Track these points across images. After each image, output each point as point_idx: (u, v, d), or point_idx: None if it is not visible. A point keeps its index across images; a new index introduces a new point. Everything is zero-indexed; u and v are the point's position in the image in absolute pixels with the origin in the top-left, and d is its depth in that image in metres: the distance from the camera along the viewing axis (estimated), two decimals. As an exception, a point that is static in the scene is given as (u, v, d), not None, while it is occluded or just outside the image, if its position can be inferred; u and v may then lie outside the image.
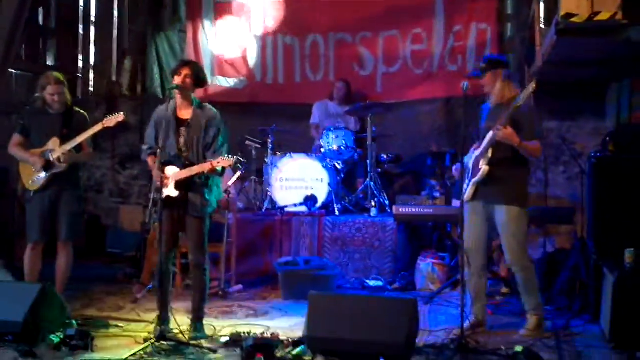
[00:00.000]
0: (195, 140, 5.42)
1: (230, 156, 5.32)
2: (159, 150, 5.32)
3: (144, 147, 5.68)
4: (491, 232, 5.59)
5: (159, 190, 5.29)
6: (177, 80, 5.42)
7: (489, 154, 5.35)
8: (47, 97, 6.18)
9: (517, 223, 5.40)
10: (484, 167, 5.36)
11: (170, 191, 5.36)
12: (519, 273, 5.47)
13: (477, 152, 5.51)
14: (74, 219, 6.22)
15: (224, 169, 5.41)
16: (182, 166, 5.38)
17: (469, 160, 5.57)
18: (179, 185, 5.36)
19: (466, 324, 5.17)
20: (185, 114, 5.49)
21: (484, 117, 5.62)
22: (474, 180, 5.45)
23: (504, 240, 5.43)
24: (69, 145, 6.10)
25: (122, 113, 6.18)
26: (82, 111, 6.39)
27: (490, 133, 5.33)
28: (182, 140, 5.45)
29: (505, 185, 5.35)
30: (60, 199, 6.15)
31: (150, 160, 5.59)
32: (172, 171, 5.37)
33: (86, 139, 6.16)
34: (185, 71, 5.44)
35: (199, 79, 5.52)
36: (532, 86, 5.05)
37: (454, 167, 5.87)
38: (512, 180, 5.38)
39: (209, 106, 5.57)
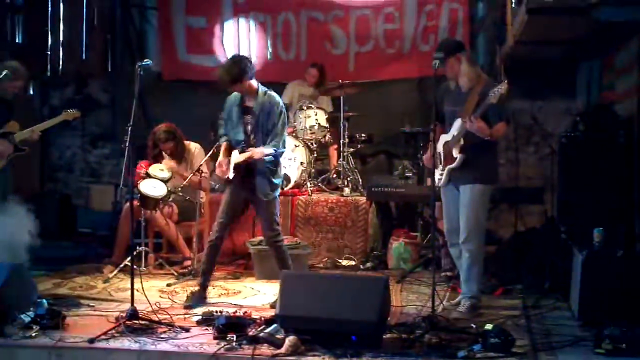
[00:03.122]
0: (259, 127, 5.73)
1: (267, 150, 5.69)
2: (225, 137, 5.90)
3: (220, 132, 6.21)
4: None
5: (222, 174, 5.82)
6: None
7: (462, 142, 5.38)
8: (9, 89, 6.22)
9: (480, 200, 5.45)
10: (459, 156, 5.39)
11: (230, 174, 5.78)
12: (468, 253, 5.46)
13: (447, 137, 5.54)
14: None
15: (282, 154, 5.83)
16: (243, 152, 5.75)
17: (440, 145, 5.60)
18: (238, 169, 5.75)
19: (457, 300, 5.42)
20: (250, 101, 5.78)
21: (447, 99, 5.62)
22: (449, 167, 5.49)
23: (464, 217, 5.45)
24: (37, 130, 6.25)
25: (77, 110, 6.82)
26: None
27: (459, 121, 5.36)
28: (248, 127, 5.77)
29: (474, 166, 5.40)
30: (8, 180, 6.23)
31: (223, 146, 5.96)
32: (235, 156, 5.77)
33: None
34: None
35: (234, 76, 5.65)
36: (504, 87, 5.05)
37: (424, 157, 5.90)
38: (481, 161, 5.43)
39: (271, 94, 5.82)
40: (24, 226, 6.00)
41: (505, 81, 5.10)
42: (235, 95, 5.87)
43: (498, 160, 5.85)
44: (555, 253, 6.11)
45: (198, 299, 5.79)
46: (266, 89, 5.83)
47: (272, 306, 5.49)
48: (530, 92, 8.45)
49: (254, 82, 5.78)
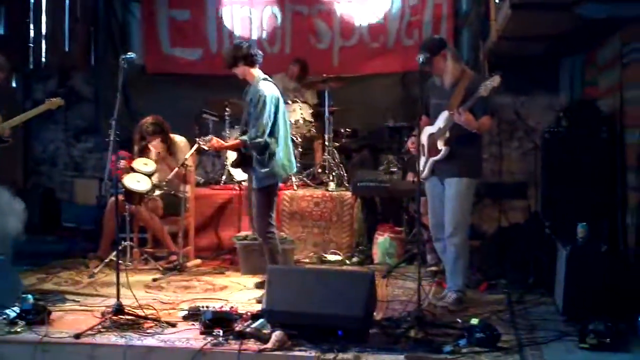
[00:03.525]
0: (249, 117, 5.84)
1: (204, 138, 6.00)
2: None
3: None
4: None
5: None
6: None
7: (447, 135, 5.41)
8: None
9: (466, 194, 5.49)
10: (444, 148, 5.42)
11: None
12: (453, 247, 5.50)
13: (432, 130, 5.56)
14: None
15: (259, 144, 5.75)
16: None
17: (424, 136, 5.62)
18: (236, 161, 6.06)
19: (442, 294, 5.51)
20: (248, 92, 5.93)
21: (433, 93, 5.64)
22: (433, 159, 5.51)
23: (449, 211, 5.48)
24: (19, 121, 6.22)
25: (60, 99, 6.79)
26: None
27: (446, 113, 5.38)
28: (245, 116, 5.96)
29: (459, 159, 5.43)
30: None
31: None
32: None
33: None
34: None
35: (227, 60, 5.87)
36: (496, 80, 5.07)
37: (408, 141, 5.93)
38: (466, 154, 5.46)
39: (261, 83, 5.86)
40: (15, 213, 6.01)
41: (499, 75, 5.12)
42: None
43: (482, 154, 5.88)
44: (539, 248, 6.15)
45: None
46: (264, 78, 5.90)
47: (259, 301, 5.50)
48: (513, 88, 8.46)
49: (254, 72, 5.89)
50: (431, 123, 5.59)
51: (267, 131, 5.73)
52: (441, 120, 5.46)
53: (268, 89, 5.83)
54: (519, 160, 8.63)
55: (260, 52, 5.98)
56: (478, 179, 5.66)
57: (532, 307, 5.51)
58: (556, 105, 8.18)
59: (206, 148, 6.08)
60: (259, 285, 6.14)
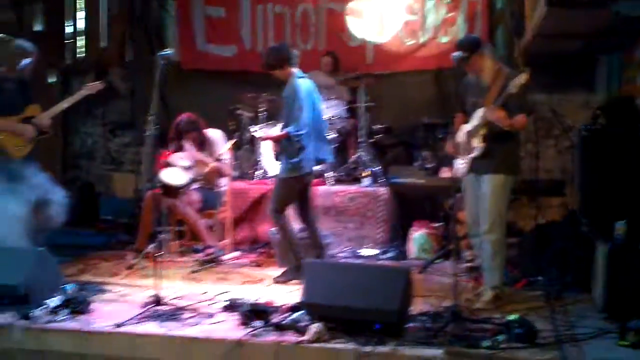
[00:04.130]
0: (286, 114, 6.16)
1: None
2: None
3: None
4: None
5: None
6: None
7: (482, 132, 5.40)
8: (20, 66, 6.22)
9: (501, 191, 5.45)
10: (479, 145, 5.41)
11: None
12: (489, 244, 5.47)
13: (468, 127, 5.55)
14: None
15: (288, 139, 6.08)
16: None
17: (460, 134, 5.62)
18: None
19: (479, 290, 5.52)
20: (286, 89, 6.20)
21: (469, 91, 5.64)
22: (470, 156, 5.51)
23: (485, 207, 5.46)
24: (56, 111, 6.31)
25: (100, 82, 6.64)
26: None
27: (481, 111, 5.37)
28: (283, 113, 6.26)
29: (495, 156, 5.41)
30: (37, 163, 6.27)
31: None
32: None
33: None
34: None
35: (268, 63, 6.14)
36: (524, 77, 5.06)
37: (447, 143, 5.91)
38: (502, 151, 5.44)
39: (297, 80, 6.11)
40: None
41: (526, 71, 5.10)
42: None
43: (520, 152, 5.84)
44: (576, 246, 6.10)
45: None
46: (300, 76, 6.13)
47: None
48: (549, 85, 8.42)
49: (291, 70, 6.10)
50: (468, 121, 5.59)
51: (307, 126, 5.96)
52: (476, 118, 5.45)
53: (304, 85, 6.05)
54: (556, 158, 8.56)
55: (296, 51, 6.17)
56: (515, 176, 5.62)
57: (571, 305, 5.46)
58: (593, 103, 8.09)
59: (257, 136, 6.45)
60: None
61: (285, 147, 6.11)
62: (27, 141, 6.20)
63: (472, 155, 5.48)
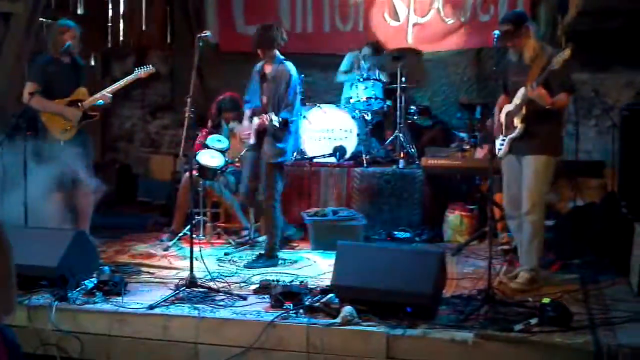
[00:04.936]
0: (274, 94, 6.06)
1: (272, 116, 5.96)
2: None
3: (244, 98, 6.45)
4: None
5: (247, 138, 6.22)
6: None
7: (523, 111, 5.31)
8: (73, 47, 6.26)
9: (543, 171, 5.35)
10: (519, 125, 5.32)
11: (252, 139, 6.15)
12: (529, 225, 5.38)
13: (510, 107, 5.46)
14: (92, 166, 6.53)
15: (286, 122, 6.04)
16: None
17: (502, 114, 5.54)
18: (257, 134, 6.10)
19: (515, 272, 5.46)
20: (268, 69, 6.14)
21: (511, 70, 5.55)
22: (510, 136, 5.42)
23: (526, 188, 5.37)
24: (106, 92, 6.36)
25: (152, 66, 6.59)
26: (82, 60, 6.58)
27: (523, 90, 5.28)
28: (264, 94, 6.13)
29: (537, 136, 5.31)
30: (87, 147, 6.32)
31: (246, 112, 6.33)
32: (255, 122, 6.13)
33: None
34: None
35: (261, 41, 6.05)
36: (567, 52, 4.94)
37: (488, 120, 5.83)
38: (544, 132, 5.33)
39: (286, 63, 6.14)
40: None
41: (569, 46, 4.99)
42: (260, 63, 6.22)
43: (561, 132, 5.72)
44: (614, 228, 5.99)
45: None
46: (282, 59, 6.12)
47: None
48: (591, 64, 8.25)
49: (276, 52, 6.11)
50: (511, 102, 5.50)
51: (298, 113, 6.14)
52: (518, 97, 5.35)
53: (293, 69, 6.11)
54: (596, 139, 8.41)
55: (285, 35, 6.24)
56: (557, 157, 5.50)
57: (607, 288, 5.37)
58: (635, 83, 7.93)
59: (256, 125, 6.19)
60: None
61: (276, 131, 6.06)
62: (73, 124, 6.28)
63: (512, 135, 5.39)
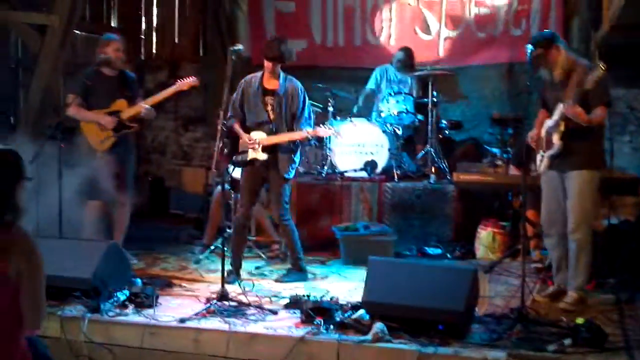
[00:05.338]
0: (284, 109, 5.95)
1: (326, 125, 6.09)
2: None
3: (230, 113, 6.05)
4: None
5: (245, 152, 5.96)
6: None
7: (561, 128, 5.25)
8: (113, 58, 6.33)
9: (587, 187, 5.29)
10: (558, 142, 5.27)
11: (259, 154, 5.94)
12: (574, 242, 5.31)
13: (549, 123, 5.41)
14: (133, 178, 6.58)
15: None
16: (269, 132, 5.93)
17: (543, 130, 5.49)
18: (265, 148, 5.92)
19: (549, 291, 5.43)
20: (272, 84, 5.99)
21: (547, 87, 5.50)
22: (548, 153, 5.37)
23: (570, 204, 5.31)
24: (150, 103, 6.44)
25: (194, 78, 6.56)
26: (131, 72, 6.61)
27: (560, 106, 5.23)
28: (269, 108, 5.94)
29: (577, 152, 5.25)
30: (127, 159, 6.37)
31: (236, 126, 6.03)
32: (258, 136, 5.94)
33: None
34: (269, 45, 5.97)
35: (277, 55, 5.87)
36: (599, 71, 4.91)
37: (529, 134, 5.76)
38: (584, 147, 5.27)
39: (291, 77, 6.06)
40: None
41: (600, 64, 4.93)
42: (253, 76, 6.08)
43: (603, 146, 5.64)
44: (651, 247, 5.91)
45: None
46: (285, 74, 6.04)
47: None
48: (626, 79, 8.15)
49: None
50: (550, 116, 5.45)
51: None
52: (556, 114, 5.31)
53: (300, 84, 6.09)
54: (631, 155, 8.31)
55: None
56: (600, 171, 5.42)
57: (642, 308, 5.30)
58: (672, 98, 7.84)
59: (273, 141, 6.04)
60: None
61: (294, 148, 6.08)
62: (110, 134, 6.33)
63: (551, 152, 5.34)
